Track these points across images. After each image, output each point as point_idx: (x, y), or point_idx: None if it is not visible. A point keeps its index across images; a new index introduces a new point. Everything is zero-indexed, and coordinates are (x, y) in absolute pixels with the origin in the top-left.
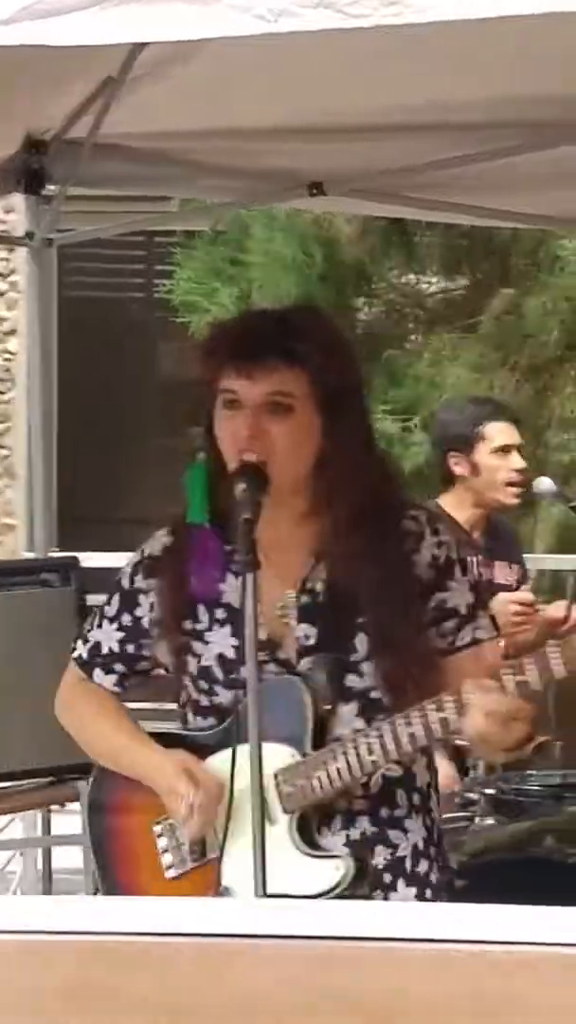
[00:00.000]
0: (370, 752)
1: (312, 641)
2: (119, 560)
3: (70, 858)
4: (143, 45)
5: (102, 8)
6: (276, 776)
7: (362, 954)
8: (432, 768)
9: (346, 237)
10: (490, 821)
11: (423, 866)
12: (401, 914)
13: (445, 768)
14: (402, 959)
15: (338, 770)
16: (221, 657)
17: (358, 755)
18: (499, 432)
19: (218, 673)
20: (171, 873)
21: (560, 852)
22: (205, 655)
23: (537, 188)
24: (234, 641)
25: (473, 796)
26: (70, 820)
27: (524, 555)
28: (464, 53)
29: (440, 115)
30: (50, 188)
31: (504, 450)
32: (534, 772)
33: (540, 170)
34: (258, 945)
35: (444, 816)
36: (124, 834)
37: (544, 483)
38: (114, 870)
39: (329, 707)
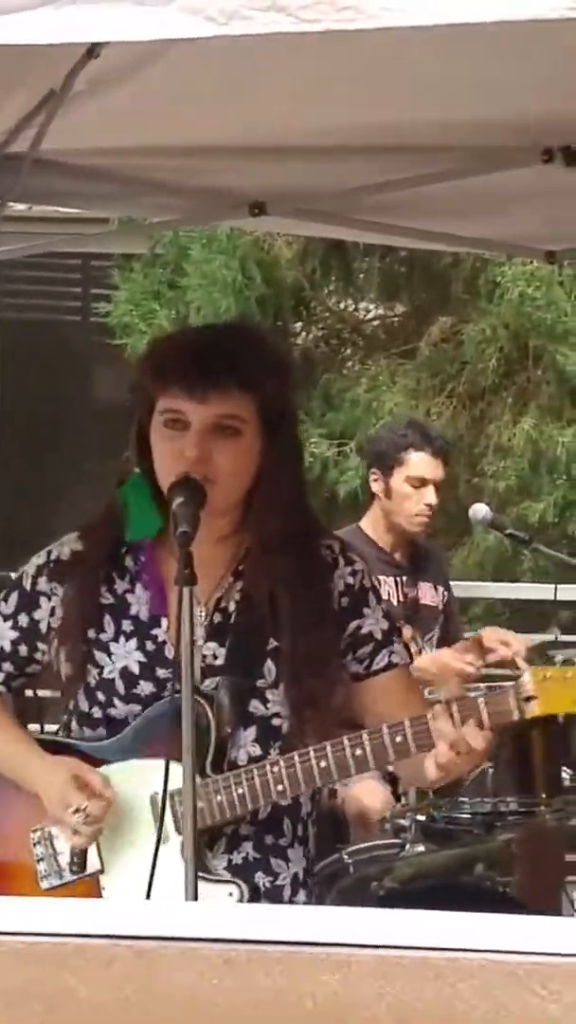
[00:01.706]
0: (278, 782)
1: (219, 661)
2: None
3: None
4: (86, 59)
5: (55, 8)
6: (173, 796)
7: (300, 958)
8: (314, 800)
9: (286, 260)
10: (420, 848)
11: (301, 896)
12: (340, 919)
13: (382, 793)
14: (341, 963)
15: (241, 796)
16: (125, 671)
17: (266, 784)
18: (419, 463)
19: (120, 687)
20: (46, 884)
21: (490, 879)
22: (108, 667)
23: (477, 212)
24: (139, 656)
25: (404, 823)
26: None
27: (459, 582)
28: (410, 77)
29: (384, 138)
30: None
31: (420, 482)
32: (465, 799)
33: (480, 194)
34: (194, 948)
35: (375, 843)
36: None
37: (480, 510)
38: None
39: (228, 730)
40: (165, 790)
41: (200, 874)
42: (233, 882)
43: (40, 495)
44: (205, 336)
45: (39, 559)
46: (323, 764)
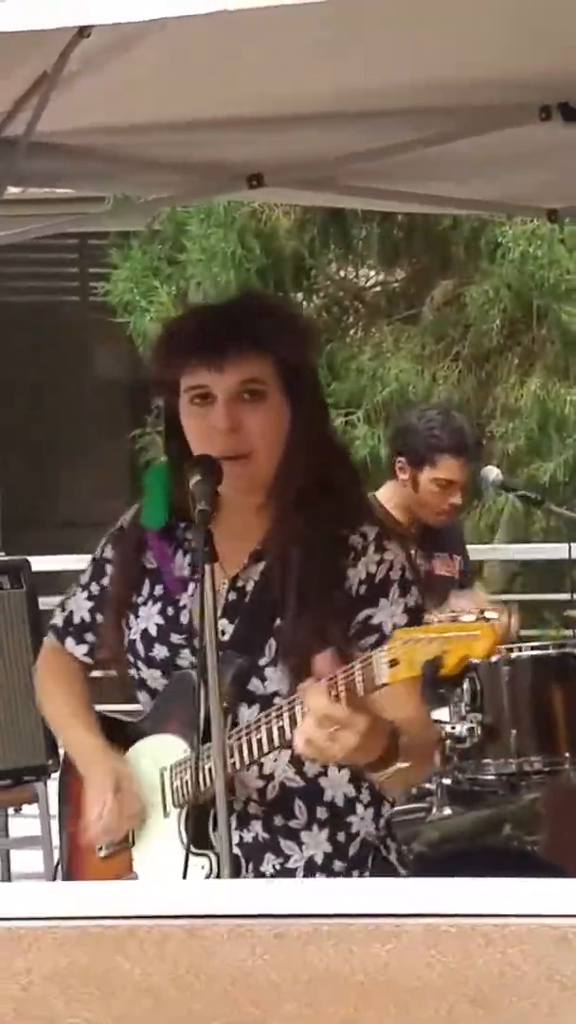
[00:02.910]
0: (230, 755)
1: (226, 637)
2: (60, 563)
3: (29, 861)
4: (78, 39)
5: None
6: (170, 770)
7: (350, 931)
8: (359, 783)
9: (284, 231)
10: (447, 811)
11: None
12: (390, 890)
13: None
14: (391, 935)
15: (209, 770)
16: (144, 633)
17: (236, 753)
18: (450, 467)
19: (140, 649)
20: (101, 852)
21: (518, 839)
22: (134, 629)
23: (476, 173)
24: (159, 620)
25: (429, 786)
26: (29, 823)
27: (473, 546)
28: (400, 38)
29: (379, 102)
30: None
31: (448, 484)
32: (489, 761)
33: (479, 155)
34: (245, 925)
35: (401, 807)
36: (77, 805)
37: (491, 473)
38: (67, 837)
39: (226, 706)
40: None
41: (189, 848)
42: (203, 854)
43: (41, 475)
44: (214, 309)
45: (112, 528)
46: (258, 736)
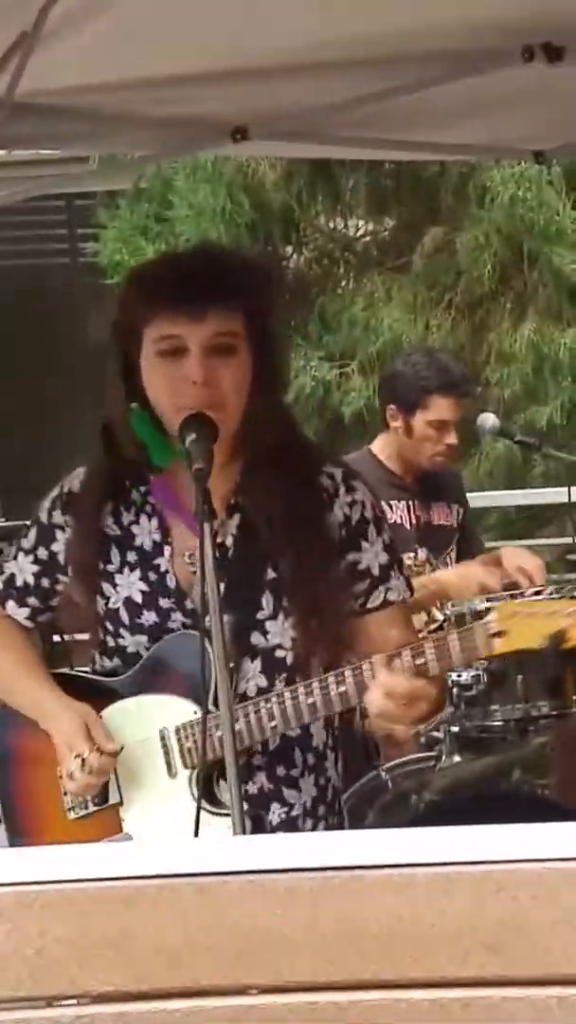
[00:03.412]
0: (271, 718)
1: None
2: None
3: None
4: None
5: None
6: (178, 731)
7: (362, 882)
8: (330, 728)
9: (272, 184)
10: (456, 758)
11: (308, 826)
12: (400, 839)
13: None
14: (403, 884)
15: (239, 732)
16: (128, 601)
17: (260, 720)
18: (442, 407)
19: (124, 617)
20: (72, 815)
21: (528, 784)
22: (113, 598)
23: (462, 118)
24: (142, 586)
25: (438, 734)
26: None
27: (472, 493)
28: None
29: (361, 50)
30: None
31: (442, 425)
32: (497, 707)
33: (463, 100)
34: (256, 880)
35: (411, 756)
36: (28, 772)
37: (488, 420)
38: (16, 807)
39: (232, 664)
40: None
41: (205, 807)
42: (226, 814)
43: (36, 441)
44: (190, 257)
45: (53, 492)
46: (311, 700)
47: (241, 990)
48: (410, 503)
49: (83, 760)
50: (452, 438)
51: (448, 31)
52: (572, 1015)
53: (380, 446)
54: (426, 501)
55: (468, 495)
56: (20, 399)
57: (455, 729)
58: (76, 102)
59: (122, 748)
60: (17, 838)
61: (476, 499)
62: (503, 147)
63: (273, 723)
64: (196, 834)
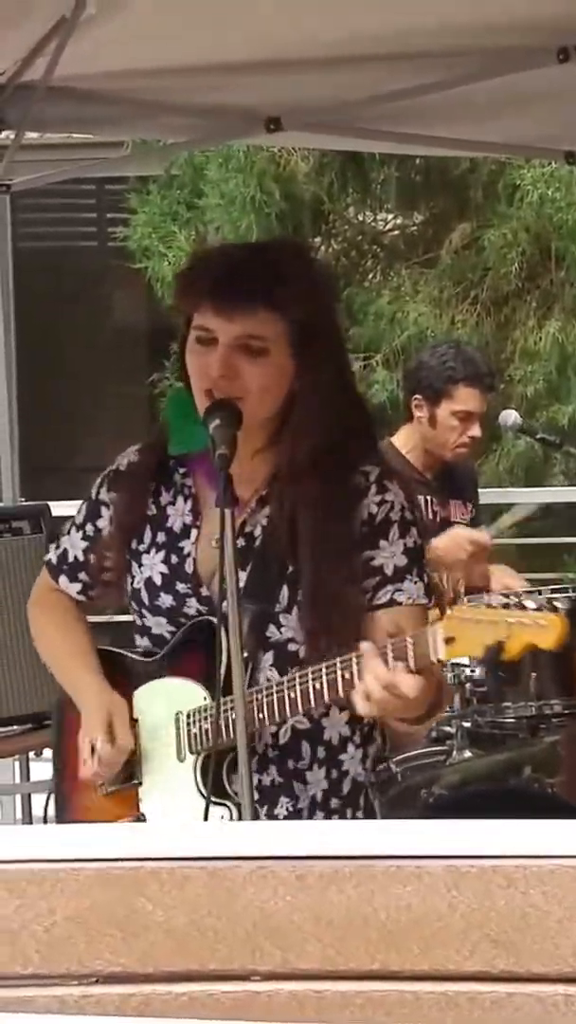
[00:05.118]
0: (280, 705)
1: (240, 584)
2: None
3: (50, 805)
4: None
5: None
6: (188, 716)
7: (372, 872)
8: (354, 724)
9: (303, 175)
10: (467, 753)
11: (317, 818)
12: (411, 831)
13: None
14: (412, 876)
15: (229, 720)
16: (149, 581)
17: (265, 708)
18: (467, 397)
19: (144, 597)
20: (102, 791)
21: (538, 781)
22: (138, 577)
23: (495, 116)
24: (163, 568)
25: (449, 729)
26: (49, 768)
27: (492, 489)
28: None
29: (397, 45)
30: (4, 134)
31: (467, 416)
32: (509, 704)
33: (497, 97)
34: (266, 866)
35: (421, 750)
36: (73, 743)
37: (509, 416)
38: (66, 777)
39: (246, 655)
40: (244, 714)
41: (205, 795)
42: (223, 804)
43: (61, 420)
44: (237, 253)
45: (106, 470)
46: (317, 685)
47: (247, 976)
48: (428, 499)
49: (93, 748)
50: (476, 430)
51: (484, 29)
52: None
53: (402, 440)
54: (444, 497)
55: (488, 491)
56: (46, 381)
57: (466, 724)
58: (112, 87)
59: (134, 749)
60: (62, 805)
61: (496, 496)
62: (534, 146)
63: (261, 715)
64: (206, 818)
